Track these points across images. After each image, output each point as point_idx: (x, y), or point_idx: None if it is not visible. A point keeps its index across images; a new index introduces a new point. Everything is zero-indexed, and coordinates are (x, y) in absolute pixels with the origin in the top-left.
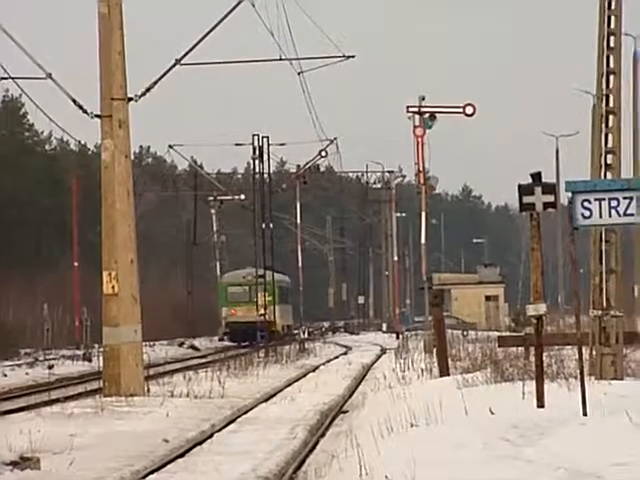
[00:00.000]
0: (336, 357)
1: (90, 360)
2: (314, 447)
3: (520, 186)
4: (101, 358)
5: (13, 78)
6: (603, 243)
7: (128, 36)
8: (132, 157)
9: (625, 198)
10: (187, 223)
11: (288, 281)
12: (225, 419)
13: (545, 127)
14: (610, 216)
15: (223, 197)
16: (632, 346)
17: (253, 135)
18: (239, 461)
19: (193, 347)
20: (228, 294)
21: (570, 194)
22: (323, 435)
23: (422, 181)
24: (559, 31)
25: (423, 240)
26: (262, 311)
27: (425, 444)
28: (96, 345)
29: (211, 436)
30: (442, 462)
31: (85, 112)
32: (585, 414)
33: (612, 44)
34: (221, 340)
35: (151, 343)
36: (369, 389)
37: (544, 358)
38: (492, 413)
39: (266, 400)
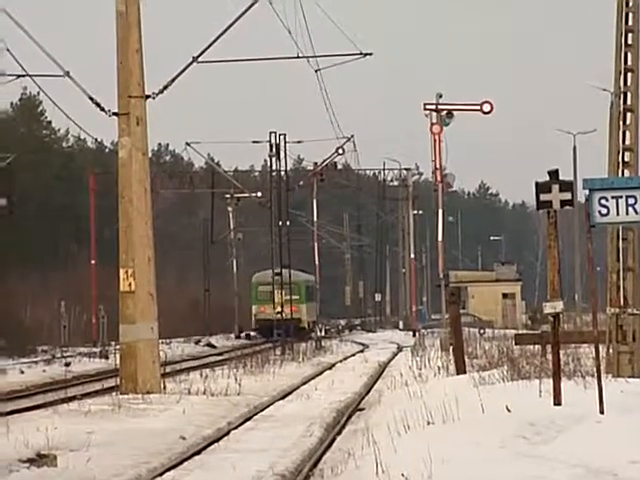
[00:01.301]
0: (352, 355)
1: (107, 357)
2: (330, 445)
3: (537, 184)
4: (118, 355)
5: (31, 76)
6: (620, 241)
7: (145, 34)
8: (149, 154)
9: None
10: (204, 221)
11: (313, 280)
12: (241, 417)
13: (563, 125)
14: (627, 214)
15: (240, 195)
16: None
17: (270, 132)
18: (255, 459)
19: (210, 345)
20: (258, 292)
21: (587, 192)
22: (339, 433)
23: (439, 178)
24: (578, 29)
25: (440, 237)
26: (279, 309)
27: (441, 442)
28: (113, 342)
29: (228, 433)
30: (458, 460)
31: (102, 110)
32: (602, 412)
33: (630, 41)
34: (237, 338)
35: (168, 341)
36: (385, 387)
37: (561, 356)
38: (509, 411)
39: (282, 398)
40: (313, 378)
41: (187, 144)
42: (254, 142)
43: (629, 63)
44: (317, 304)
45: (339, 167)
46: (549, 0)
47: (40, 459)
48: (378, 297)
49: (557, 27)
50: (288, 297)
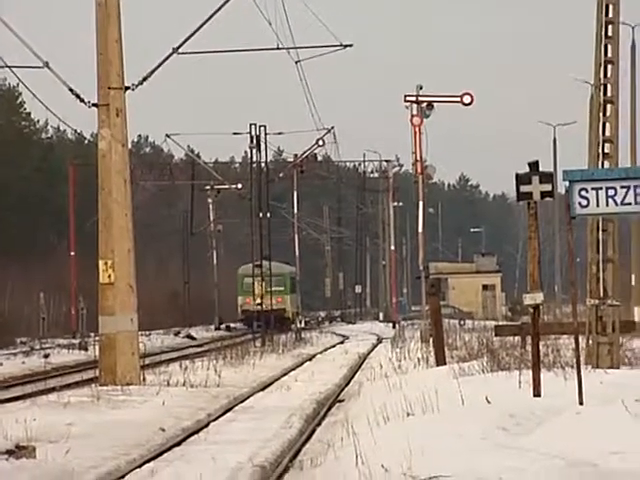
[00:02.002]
0: (333, 346)
1: (86, 349)
2: (310, 436)
3: (517, 175)
4: (97, 347)
5: (10, 67)
6: (600, 232)
7: (125, 25)
8: (129, 146)
9: (622, 187)
10: (184, 212)
11: (297, 272)
12: (221, 408)
13: (543, 116)
14: (607, 205)
15: (220, 186)
16: (628, 335)
17: (250, 124)
18: (235, 450)
19: (189, 336)
20: (243, 284)
21: (567, 183)
22: (319, 424)
23: (419, 170)
24: (558, 22)
25: (420, 229)
26: (258, 300)
27: (421, 433)
28: (92, 334)
29: (207, 425)
30: (438, 451)
31: (82, 101)
32: (581, 403)
33: (610, 33)
34: (217, 329)
35: (147, 332)
36: (365, 378)
37: (541, 347)
38: (488, 402)
39: (262, 389)
40: (293, 369)
41: (167, 136)
42: (234, 134)
43: (609, 55)
44: (298, 296)
45: (319, 159)
46: None
47: (19, 450)
48: (358, 289)
49: (538, 20)
50: (273, 288)
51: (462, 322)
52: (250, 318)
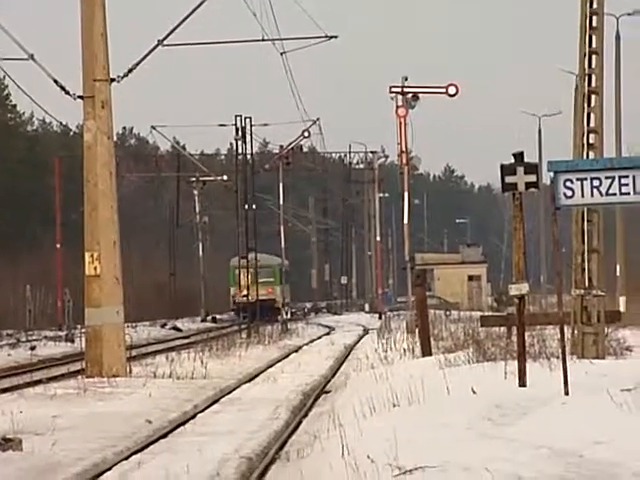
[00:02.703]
0: (319, 337)
1: (72, 341)
2: (297, 427)
3: (502, 166)
4: (83, 339)
5: None
6: (585, 223)
7: (110, 17)
8: (115, 138)
9: (607, 178)
10: (170, 204)
11: (287, 264)
12: (208, 400)
13: (528, 107)
14: (592, 196)
15: (206, 178)
16: (614, 325)
17: (236, 116)
18: (222, 442)
19: (175, 328)
20: (235, 276)
21: (552, 174)
22: (306, 415)
23: (405, 161)
24: (543, 12)
25: (406, 220)
26: (245, 292)
27: (407, 424)
28: (78, 326)
29: (194, 417)
30: (424, 442)
31: (67, 93)
32: (567, 393)
33: (595, 24)
34: (203, 321)
35: (133, 324)
36: (351, 369)
37: (526, 338)
38: (474, 392)
39: (249, 381)
40: (279, 361)
41: (152, 127)
42: (220, 125)
43: (594, 45)
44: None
45: (305, 150)
46: None
47: (5, 443)
48: (344, 280)
49: (523, 11)
50: (264, 279)
51: (448, 313)
52: (242, 309)
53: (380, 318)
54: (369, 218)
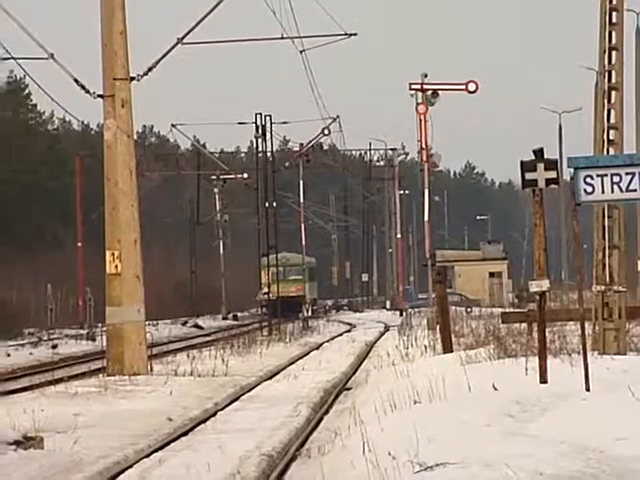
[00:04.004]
0: (339, 335)
1: (94, 339)
2: (317, 424)
3: (522, 162)
4: (104, 337)
5: (15, 58)
6: (606, 219)
7: (130, 15)
8: (135, 137)
9: (627, 174)
10: (190, 202)
11: (314, 262)
12: (228, 397)
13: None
14: (612, 192)
15: (226, 176)
16: (635, 321)
17: (256, 114)
18: (242, 439)
19: (197, 326)
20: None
21: (572, 170)
22: (326, 412)
23: (425, 158)
24: (564, 8)
25: (426, 217)
26: (265, 289)
27: (428, 421)
28: (100, 324)
29: (214, 414)
30: (445, 438)
31: (87, 92)
32: (588, 389)
33: (614, 20)
34: (225, 319)
35: (154, 322)
36: (372, 366)
37: (547, 334)
38: (495, 389)
39: (269, 378)
40: (300, 358)
41: (173, 126)
42: (240, 123)
43: (613, 42)
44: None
45: (325, 148)
46: None
47: (27, 441)
48: (365, 277)
49: (543, 6)
50: (293, 277)
51: (469, 309)
52: (273, 304)
53: (401, 315)
54: (389, 215)
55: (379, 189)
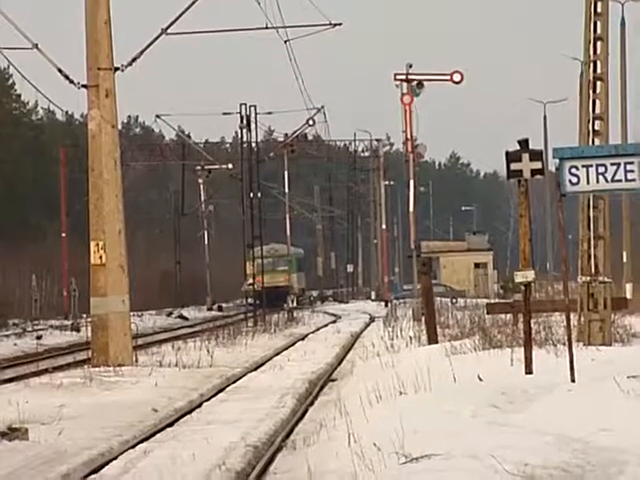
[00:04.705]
0: (325, 326)
1: (78, 330)
2: (303, 416)
3: (507, 153)
4: (89, 328)
5: None
6: (591, 209)
7: (114, 5)
8: (120, 127)
9: (613, 164)
10: (175, 193)
11: (302, 252)
12: (214, 388)
13: (534, 94)
14: (598, 182)
15: (211, 166)
16: (620, 312)
17: (240, 104)
18: (228, 430)
19: (181, 317)
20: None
21: (558, 161)
22: (312, 404)
23: (410, 149)
24: None
25: (411, 208)
26: (251, 280)
27: (413, 412)
28: (84, 315)
29: (200, 405)
30: (430, 429)
31: (71, 82)
32: (573, 380)
33: (599, 10)
34: (209, 310)
35: (139, 313)
36: (358, 357)
37: (532, 325)
38: (480, 380)
39: (255, 369)
40: (285, 349)
41: (157, 116)
42: (224, 114)
43: (598, 32)
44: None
45: (310, 138)
46: None
47: (11, 432)
48: (350, 268)
49: None
50: (281, 268)
51: (454, 300)
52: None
53: (386, 306)
54: (375, 206)
55: (364, 180)
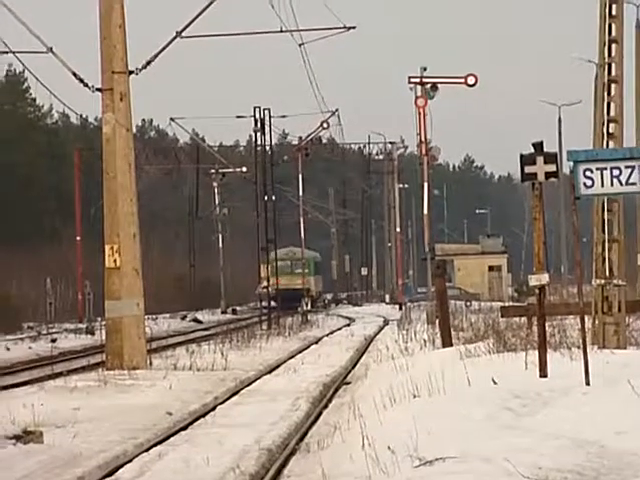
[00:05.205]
0: (339, 329)
1: (93, 333)
2: (317, 419)
3: (522, 156)
4: (104, 331)
5: (14, 52)
6: (605, 212)
7: (129, 9)
8: (134, 130)
9: (627, 167)
10: (189, 196)
11: (319, 256)
12: (228, 391)
13: (548, 96)
14: (612, 185)
15: (225, 170)
16: (635, 315)
17: (254, 107)
18: (242, 433)
19: (196, 320)
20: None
21: (572, 163)
22: (326, 407)
23: (424, 152)
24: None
25: (425, 211)
26: (265, 283)
27: (427, 415)
28: (99, 318)
29: (214, 408)
30: (444, 432)
31: (86, 85)
32: (588, 383)
33: (614, 12)
34: (224, 313)
35: (154, 316)
36: (372, 360)
37: (547, 328)
38: (495, 383)
39: (269, 372)
40: (299, 352)
41: (171, 120)
42: (238, 117)
43: (613, 34)
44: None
45: (324, 141)
46: None
47: (26, 435)
48: (364, 271)
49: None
50: (299, 271)
51: (468, 303)
52: (281, 296)
53: (400, 309)
54: (389, 209)
55: (378, 183)
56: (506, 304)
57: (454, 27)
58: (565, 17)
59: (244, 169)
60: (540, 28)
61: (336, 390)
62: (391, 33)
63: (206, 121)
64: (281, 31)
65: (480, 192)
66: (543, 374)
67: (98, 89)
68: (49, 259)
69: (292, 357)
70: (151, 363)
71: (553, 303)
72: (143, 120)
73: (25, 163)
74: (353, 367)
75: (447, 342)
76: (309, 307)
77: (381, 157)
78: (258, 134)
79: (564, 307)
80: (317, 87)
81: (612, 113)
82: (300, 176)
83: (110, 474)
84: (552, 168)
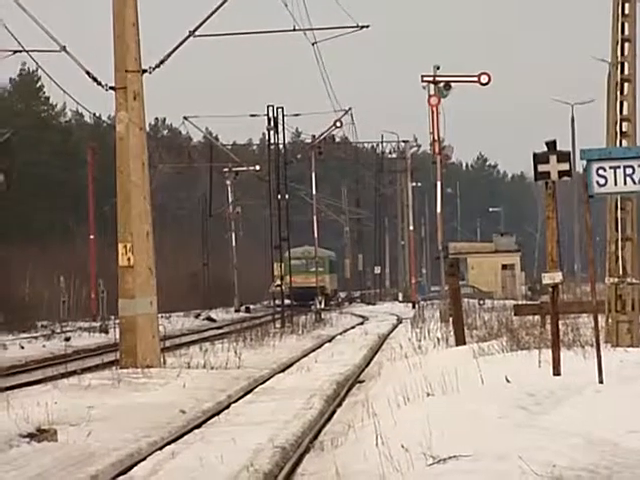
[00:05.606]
0: (352, 327)
1: (107, 332)
2: (330, 417)
3: (535, 154)
4: (117, 330)
5: (27, 51)
6: (619, 211)
7: (142, 8)
8: (147, 129)
9: None
10: (202, 195)
11: (334, 255)
12: (241, 390)
13: (562, 95)
14: (625, 184)
15: (238, 168)
16: None
17: (268, 106)
18: (255, 431)
19: (209, 318)
20: (292, 266)
21: (585, 162)
22: (339, 405)
23: (437, 150)
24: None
25: (439, 209)
26: (278, 282)
27: (441, 413)
28: (112, 317)
29: (228, 407)
30: (458, 431)
31: (99, 84)
32: (601, 382)
33: (627, 11)
34: (237, 311)
35: (167, 315)
36: (385, 359)
37: (560, 326)
38: (508, 381)
39: (282, 370)
40: (313, 351)
41: (185, 118)
42: (252, 116)
43: (626, 33)
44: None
45: (337, 140)
46: None
47: (40, 434)
48: (377, 270)
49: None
50: (314, 269)
51: (481, 302)
52: (297, 294)
53: (414, 307)
54: (402, 207)
55: (391, 181)
56: (519, 302)
57: (466, 25)
58: (578, 15)
59: (257, 167)
60: (554, 27)
61: (350, 388)
62: (406, 32)
63: (219, 120)
64: (294, 30)
65: (493, 190)
66: (557, 372)
67: (111, 88)
68: (63, 257)
69: (305, 355)
70: (165, 361)
71: (566, 301)
72: (156, 119)
73: (39, 162)
74: (367, 365)
75: (460, 340)
76: (323, 305)
77: (394, 156)
78: (271, 132)
79: (577, 305)
80: (330, 85)
81: (625, 112)
82: (313, 174)
83: (124, 472)
84: (565, 167)
